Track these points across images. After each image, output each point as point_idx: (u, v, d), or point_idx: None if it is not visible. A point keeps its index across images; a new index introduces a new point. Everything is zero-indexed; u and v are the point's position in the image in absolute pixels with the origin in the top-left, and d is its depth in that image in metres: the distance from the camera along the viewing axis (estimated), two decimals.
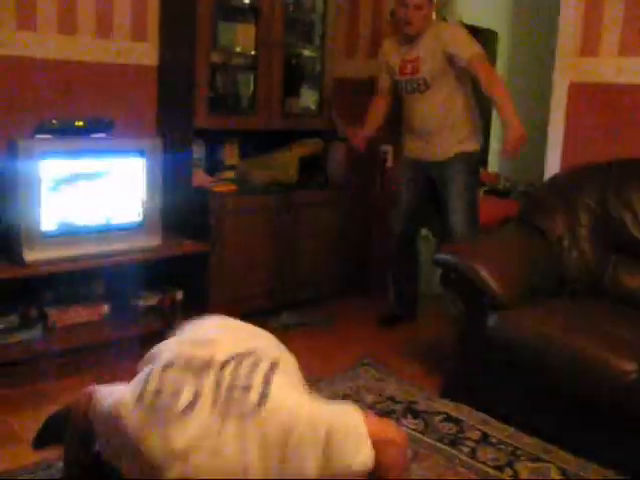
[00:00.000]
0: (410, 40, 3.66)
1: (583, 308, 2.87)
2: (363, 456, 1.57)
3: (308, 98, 4.31)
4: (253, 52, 3.93)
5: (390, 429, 1.77)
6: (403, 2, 3.58)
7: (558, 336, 2.59)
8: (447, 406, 2.99)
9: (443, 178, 3.72)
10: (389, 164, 4.33)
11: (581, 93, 3.54)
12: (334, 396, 3.00)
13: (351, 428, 1.60)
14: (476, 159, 3.78)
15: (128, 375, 3.11)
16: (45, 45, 3.43)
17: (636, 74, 3.36)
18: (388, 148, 4.32)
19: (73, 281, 3.33)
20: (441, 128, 3.67)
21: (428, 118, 3.69)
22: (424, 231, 4.52)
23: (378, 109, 3.95)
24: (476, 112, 3.77)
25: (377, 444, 1.59)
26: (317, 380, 3.09)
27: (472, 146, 3.72)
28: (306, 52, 4.32)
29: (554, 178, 3.48)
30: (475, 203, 3.74)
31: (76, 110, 3.45)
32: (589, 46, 3.51)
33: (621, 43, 3.40)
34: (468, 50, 3.49)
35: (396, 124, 4.09)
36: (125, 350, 3.29)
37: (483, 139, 3.84)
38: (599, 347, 2.47)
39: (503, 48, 5.98)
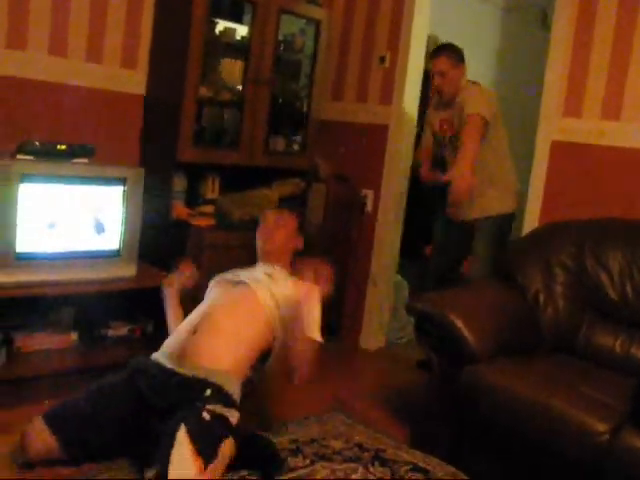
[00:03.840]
0: (447, 103, 3.80)
1: (557, 366, 2.86)
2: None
3: (292, 137, 4.32)
4: (239, 87, 3.94)
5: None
6: (431, 73, 3.81)
7: (532, 394, 2.56)
8: (416, 456, 2.94)
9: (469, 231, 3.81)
10: (369, 208, 4.34)
11: (563, 152, 3.59)
12: (301, 440, 2.97)
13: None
14: (507, 220, 3.81)
15: None
16: (34, 65, 3.41)
17: (617, 137, 3.42)
18: (368, 192, 4.33)
19: (43, 307, 3.26)
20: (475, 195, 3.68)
21: None
22: (398, 277, 4.53)
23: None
24: (511, 174, 3.82)
25: None
26: (283, 424, 3.05)
27: (500, 209, 3.76)
28: (292, 91, 4.34)
29: (532, 233, 3.50)
30: (487, 265, 3.75)
31: (59, 133, 3.42)
32: (572, 107, 3.57)
33: (603, 106, 3.47)
34: (471, 108, 3.59)
35: (379, 168, 4.12)
36: (91, 379, 3.22)
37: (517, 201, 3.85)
38: (573, 407, 2.45)
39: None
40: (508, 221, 3.81)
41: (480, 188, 3.63)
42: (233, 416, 2.46)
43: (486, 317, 2.93)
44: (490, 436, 2.72)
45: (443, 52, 3.79)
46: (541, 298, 3.15)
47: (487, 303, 3.07)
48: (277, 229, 3.12)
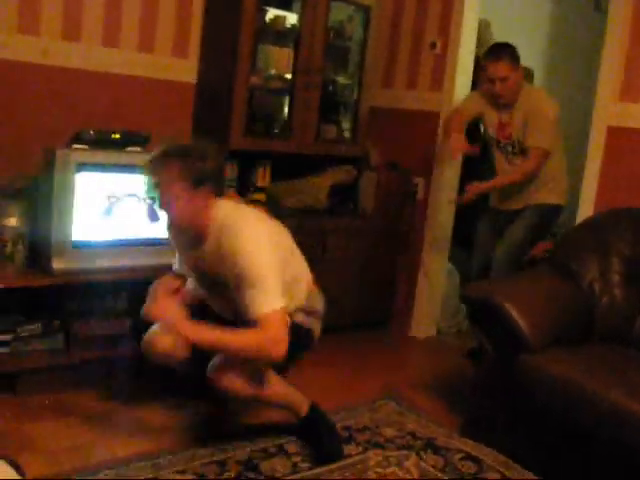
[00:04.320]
0: (506, 104, 3.69)
1: (612, 356, 2.82)
2: None
3: (342, 125, 4.31)
4: (289, 75, 3.94)
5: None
6: (489, 78, 3.64)
7: (587, 384, 2.52)
8: (467, 444, 2.93)
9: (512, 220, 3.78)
10: (420, 196, 4.31)
11: (619, 137, 3.52)
12: (354, 427, 2.98)
13: None
14: (551, 212, 3.77)
15: (149, 389, 3.13)
16: (88, 56, 3.47)
17: None
18: (420, 180, 4.30)
19: (98, 293, 3.31)
20: (523, 185, 3.71)
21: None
22: (449, 265, 4.50)
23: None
24: (562, 172, 3.77)
25: None
26: (335, 412, 3.05)
27: (544, 199, 3.72)
28: (342, 79, 4.33)
29: (588, 220, 3.44)
30: (523, 250, 3.74)
31: (113, 122, 3.46)
32: (630, 91, 3.49)
33: None
34: (537, 140, 3.56)
35: (430, 156, 4.09)
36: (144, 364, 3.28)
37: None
38: (628, 398, 2.41)
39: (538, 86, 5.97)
40: (552, 212, 3.76)
41: (529, 186, 3.66)
42: (316, 329, 2.72)
43: (540, 306, 2.90)
44: (544, 425, 2.69)
45: (503, 56, 3.60)
46: (596, 287, 3.09)
47: (541, 292, 3.03)
48: None
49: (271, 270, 2.40)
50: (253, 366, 2.52)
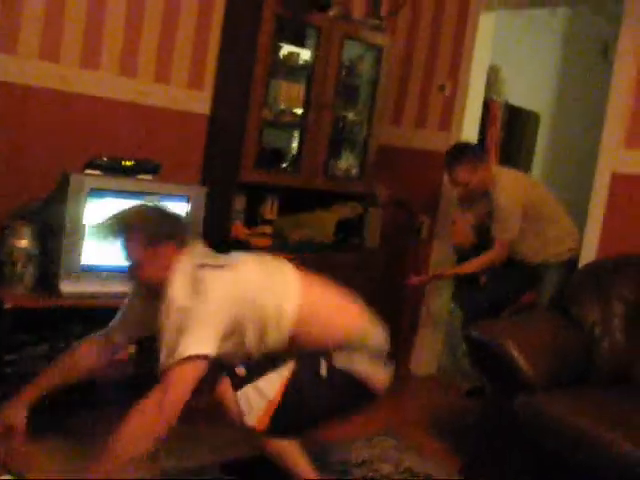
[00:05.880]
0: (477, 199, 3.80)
1: (613, 399, 2.82)
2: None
3: (351, 161, 4.37)
4: (299, 110, 4.01)
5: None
6: (454, 182, 3.73)
7: (588, 426, 2.52)
8: None
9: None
10: (424, 234, 4.35)
11: (623, 184, 3.55)
12: (351, 462, 2.98)
13: None
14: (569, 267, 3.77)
15: None
16: (106, 85, 3.54)
17: None
18: (425, 219, 4.34)
19: (105, 317, 3.33)
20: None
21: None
22: (451, 304, 4.53)
23: None
24: (569, 227, 3.85)
25: None
26: (331, 447, 3.06)
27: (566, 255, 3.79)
28: (352, 116, 4.39)
29: (590, 266, 3.47)
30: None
31: (127, 149, 3.52)
32: (635, 138, 3.54)
33: None
34: (497, 231, 3.71)
35: (437, 195, 4.13)
36: (147, 389, 3.29)
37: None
38: (630, 442, 2.42)
39: (544, 130, 6.05)
40: (573, 266, 3.77)
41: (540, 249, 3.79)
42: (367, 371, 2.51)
43: (541, 347, 2.91)
44: (543, 465, 2.70)
45: (459, 163, 3.64)
46: (597, 330, 3.11)
47: (542, 334, 3.05)
48: None
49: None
50: None
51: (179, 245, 2.44)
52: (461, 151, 3.71)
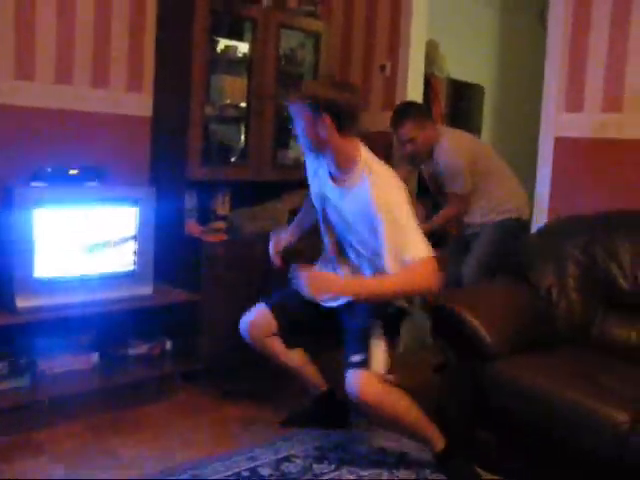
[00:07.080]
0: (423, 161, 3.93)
1: (573, 359, 2.87)
2: None
3: (298, 149, 4.36)
4: (243, 104, 4.00)
5: None
6: (399, 140, 3.84)
7: (551, 388, 2.58)
8: None
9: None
10: None
11: (566, 147, 3.63)
12: (326, 446, 3.01)
13: None
14: (511, 226, 3.87)
15: (120, 422, 3.13)
16: (42, 95, 3.48)
17: (618, 129, 3.45)
18: None
19: (64, 329, 3.31)
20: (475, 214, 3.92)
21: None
22: None
23: None
24: (517, 189, 3.95)
25: None
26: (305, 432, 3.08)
27: (503, 215, 3.87)
28: None
29: (541, 229, 3.53)
30: (489, 264, 3.82)
31: (71, 158, 3.48)
32: (574, 102, 3.60)
33: (604, 99, 3.50)
34: (450, 186, 3.84)
35: None
36: (114, 398, 3.28)
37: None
38: (592, 398, 2.47)
39: (489, 102, 6.11)
40: (515, 226, 3.86)
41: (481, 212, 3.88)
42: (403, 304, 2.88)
43: (500, 314, 2.94)
44: (512, 431, 2.73)
45: (406, 118, 3.76)
46: (554, 293, 3.15)
47: (500, 301, 3.09)
48: None
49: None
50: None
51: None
52: (407, 107, 3.87)
